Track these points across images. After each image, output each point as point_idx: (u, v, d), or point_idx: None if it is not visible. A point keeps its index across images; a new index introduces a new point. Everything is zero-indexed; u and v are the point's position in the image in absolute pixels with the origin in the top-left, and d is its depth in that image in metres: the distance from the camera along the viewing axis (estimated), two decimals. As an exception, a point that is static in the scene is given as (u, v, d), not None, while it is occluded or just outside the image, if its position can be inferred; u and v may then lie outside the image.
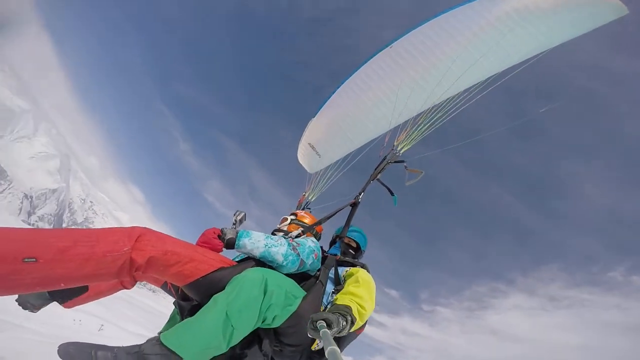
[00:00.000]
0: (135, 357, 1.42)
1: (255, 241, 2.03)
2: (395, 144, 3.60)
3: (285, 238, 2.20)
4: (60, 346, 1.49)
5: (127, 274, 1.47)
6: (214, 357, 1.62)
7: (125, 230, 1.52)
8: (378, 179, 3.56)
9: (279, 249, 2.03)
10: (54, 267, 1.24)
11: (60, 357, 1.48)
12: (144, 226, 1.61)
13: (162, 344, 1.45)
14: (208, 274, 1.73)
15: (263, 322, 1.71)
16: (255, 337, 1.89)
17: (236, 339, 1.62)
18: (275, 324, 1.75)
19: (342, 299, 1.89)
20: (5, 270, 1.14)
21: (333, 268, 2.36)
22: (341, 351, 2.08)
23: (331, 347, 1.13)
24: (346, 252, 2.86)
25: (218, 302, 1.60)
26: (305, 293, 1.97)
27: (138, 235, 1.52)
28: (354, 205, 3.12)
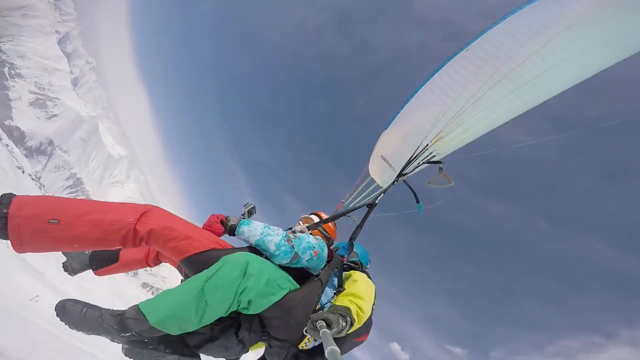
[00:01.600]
0: (117, 319, 1.55)
1: (254, 229, 2.05)
2: (430, 143, 3.26)
3: (284, 231, 2.15)
4: (59, 302, 1.60)
5: (131, 243, 1.65)
6: (193, 335, 1.73)
7: (135, 206, 1.72)
8: (405, 181, 3.28)
9: (273, 238, 2.02)
10: (70, 229, 1.52)
11: (56, 311, 1.58)
12: (153, 204, 1.80)
13: (138, 307, 1.57)
14: (201, 252, 1.81)
15: (239, 305, 1.72)
16: (234, 322, 1.89)
17: (209, 317, 1.64)
18: (253, 310, 1.74)
19: (341, 300, 1.94)
20: (33, 227, 1.46)
21: (337, 269, 2.33)
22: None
23: (331, 347, 1.16)
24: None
25: (198, 277, 1.67)
26: (298, 287, 1.98)
27: (145, 210, 1.70)
28: (371, 206, 3.01)
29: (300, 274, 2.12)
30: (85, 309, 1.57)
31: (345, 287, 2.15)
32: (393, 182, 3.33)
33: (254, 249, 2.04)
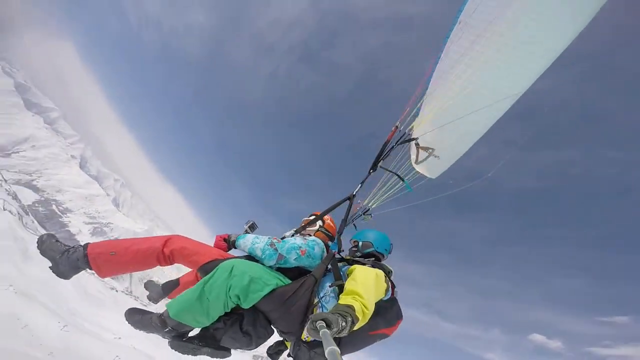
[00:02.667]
0: (160, 318, 2.21)
1: (246, 240, 2.54)
2: (398, 125, 3.28)
3: (269, 238, 2.55)
4: (126, 310, 2.30)
5: (163, 261, 2.38)
6: (218, 330, 2.23)
7: (161, 236, 2.45)
8: (381, 166, 3.30)
9: (259, 245, 2.47)
10: (123, 257, 2.30)
11: (125, 317, 2.25)
12: (175, 234, 2.53)
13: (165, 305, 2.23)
14: (206, 262, 2.37)
15: (233, 301, 2.17)
16: (240, 317, 2.30)
17: (214, 311, 2.14)
18: (247, 305, 2.18)
19: (344, 298, 1.95)
20: (103, 259, 2.28)
21: (332, 264, 2.52)
22: (357, 350, 2.32)
23: (331, 347, 1.19)
24: (352, 251, 3.02)
25: (201, 281, 2.20)
26: (289, 282, 2.35)
27: (168, 238, 2.44)
28: (350, 198, 3.17)
29: (299, 273, 2.52)
30: (142, 315, 2.26)
31: (345, 284, 2.18)
32: (369, 172, 3.33)
33: (251, 257, 2.51)
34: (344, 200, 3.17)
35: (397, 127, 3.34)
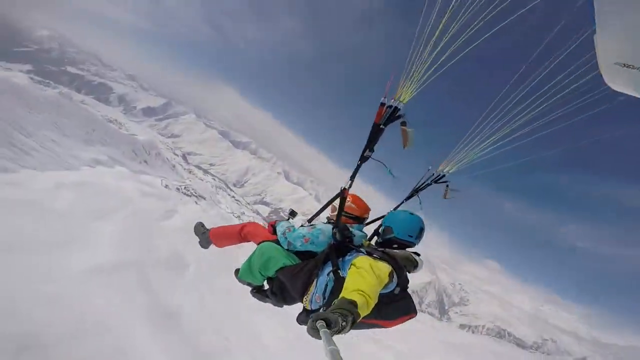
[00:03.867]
0: (245, 283, 3.35)
1: (278, 228, 3.17)
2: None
3: (286, 228, 3.11)
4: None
5: (242, 239, 3.55)
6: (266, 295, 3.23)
7: (242, 224, 3.63)
8: (372, 157, 2.87)
9: (280, 233, 3.11)
10: (223, 235, 3.74)
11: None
12: (250, 222, 3.67)
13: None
14: (259, 243, 3.20)
15: (260, 271, 3.05)
16: (273, 281, 3.09)
17: (257, 277, 3.09)
18: (269, 274, 3.02)
19: (349, 293, 1.93)
20: (216, 237, 3.78)
21: (330, 252, 2.78)
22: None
23: (331, 347, 1.27)
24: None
25: (249, 256, 3.18)
26: (296, 263, 2.92)
27: (244, 225, 3.58)
28: (343, 194, 3.02)
29: (310, 255, 2.93)
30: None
31: (347, 277, 2.22)
32: (358, 164, 2.93)
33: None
34: (337, 197, 3.07)
35: (383, 104, 2.72)
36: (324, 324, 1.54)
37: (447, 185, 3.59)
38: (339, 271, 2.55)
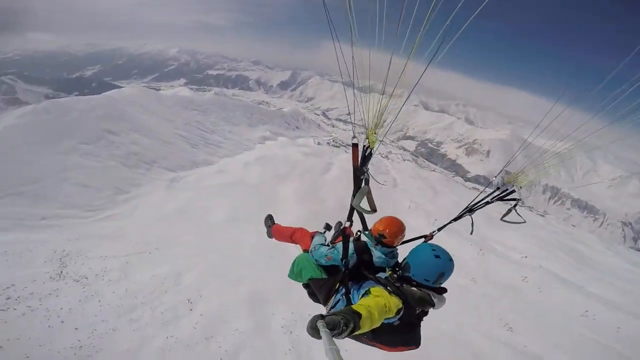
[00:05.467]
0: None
1: (312, 243, 3.72)
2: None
3: (313, 246, 3.63)
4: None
5: (292, 240, 4.23)
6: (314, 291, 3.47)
7: (294, 229, 4.33)
8: (367, 171, 2.88)
9: (310, 250, 3.64)
10: (280, 234, 4.53)
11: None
12: (299, 228, 4.31)
13: None
14: (303, 250, 3.88)
15: (297, 278, 3.64)
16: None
17: (299, 279, 3.60)
18: (302, 282, 3.58)
19: (357, 306, 2.05)
20: (275, 234, 4.62)
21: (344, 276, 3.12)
22: None
23: (331, 347, 1.36)
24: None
25: (292, 262, 3.75)
26: (323, 274, 3.37)
27: (295, 229, 4.30)
28: (345, 231, 3.09)
29: (334, 268, 3.33)
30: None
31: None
32: (357, 183, 2.86)
33: None
34: (340, 233, 3.66)
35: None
36: (325, 324, 1.60)
37: (515, 206, 3.16)
38: (350, 296, 2.92)
